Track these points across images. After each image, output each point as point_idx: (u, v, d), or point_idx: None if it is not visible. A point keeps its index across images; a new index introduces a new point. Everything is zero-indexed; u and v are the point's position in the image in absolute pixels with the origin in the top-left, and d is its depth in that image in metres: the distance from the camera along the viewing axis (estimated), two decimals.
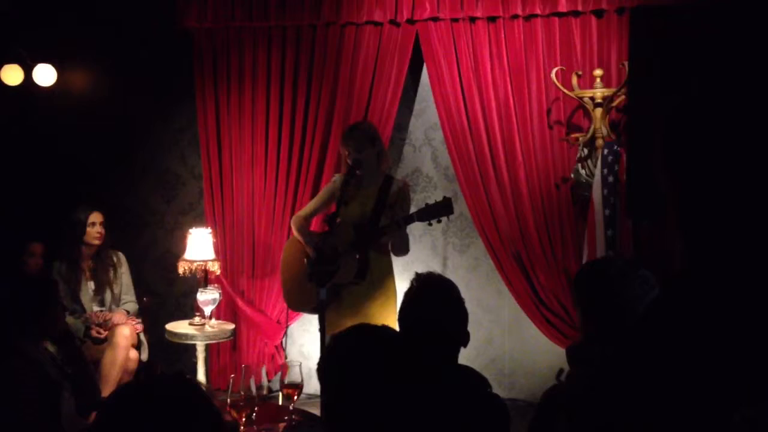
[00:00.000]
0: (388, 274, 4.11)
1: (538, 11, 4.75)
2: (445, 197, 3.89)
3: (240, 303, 5.33)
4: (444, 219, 3.88)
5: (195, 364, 4.82)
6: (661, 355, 1.41)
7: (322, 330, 3.53)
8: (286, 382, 3.05)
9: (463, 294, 2.47)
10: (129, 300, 4.91)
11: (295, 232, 4.25)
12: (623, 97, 4.48)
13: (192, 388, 1.38)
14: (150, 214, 5.76)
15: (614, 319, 2.15)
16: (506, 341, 5.31)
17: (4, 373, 2.84)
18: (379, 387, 1.73)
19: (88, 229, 4.76)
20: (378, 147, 4.14)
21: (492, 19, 4.85)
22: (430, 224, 3.93)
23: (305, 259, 4.10)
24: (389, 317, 3.88)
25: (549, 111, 4.84)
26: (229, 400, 2.86)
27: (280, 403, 3.30)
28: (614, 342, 2.08)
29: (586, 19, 4.75)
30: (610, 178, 4.34)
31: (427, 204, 3.91)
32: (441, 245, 5.38)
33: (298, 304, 4.26)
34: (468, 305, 2.46)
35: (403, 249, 4.11)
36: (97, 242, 4.79)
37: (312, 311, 4.13)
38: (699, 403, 1.36)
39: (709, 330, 1.38)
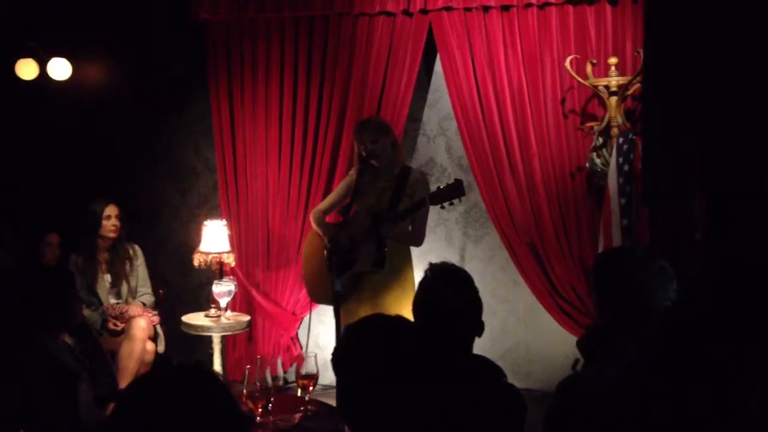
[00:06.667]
0: (406, 263, 4.11)
1: None
2: (456, 179, 3.87)
3: (255, 294, 5.35)
4: (458, 206, 3.87)
5: (211, 355, 4.84)
6: (685, 353, 1.41)
7: (338, 321, 3.54)
8: (301, 373, 3.07)
9: (478, 284, 2.47)
10: (145, 292, 4.93)
11: (313, 225, 4.26)
12: (638, 85, 4.44)
13: (210, 378, 1.39)
14: (165, 207, 5.79)
15: (631, 309, 2.14)
16: (521, 331, 5.30)
17: (23, 365, 2.86)
18: (394, 378, 1.73)
19: (104, 222, 4.79)
20: (392, 138, 4.15)
21: (505, 8, 4.82)
22: (443, 207, 3.90)
23: (324, 251, 4.10)
24: (407, 307, 3.89)
25: (563, 100, 4.81)
26: (245, 391, 2.87)
27: (297, 394, 3.31)
28: (631, 333, 2.07)
29: (601, 6, 4.72)
30: (626, 167, 4.31)
31: (438, 187, 3.90)
32: (456, 236, 5.37)
33: (319, 295, 4.27)
34: (483, 295, 2.45)
35: (407, 239, 4.09)
36: (112, 235, 4.82)
37: (331, 302, 4.14)
38: (717, 390, 1.36)
39: (735, 322, 1.38)
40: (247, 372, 2.93)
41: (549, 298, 4.94)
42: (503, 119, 4.87)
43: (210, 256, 4.91)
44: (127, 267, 4.88)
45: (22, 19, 5.40)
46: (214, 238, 4.92)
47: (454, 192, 3.82)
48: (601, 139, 4.58)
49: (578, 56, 4.69)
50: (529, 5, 4.77)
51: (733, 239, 2.67)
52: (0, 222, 4.91)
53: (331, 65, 5.13)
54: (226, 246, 4.95)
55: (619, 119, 4.50)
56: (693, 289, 1.52)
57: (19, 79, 5.37)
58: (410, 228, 4.09)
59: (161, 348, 4.77)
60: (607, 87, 4.53)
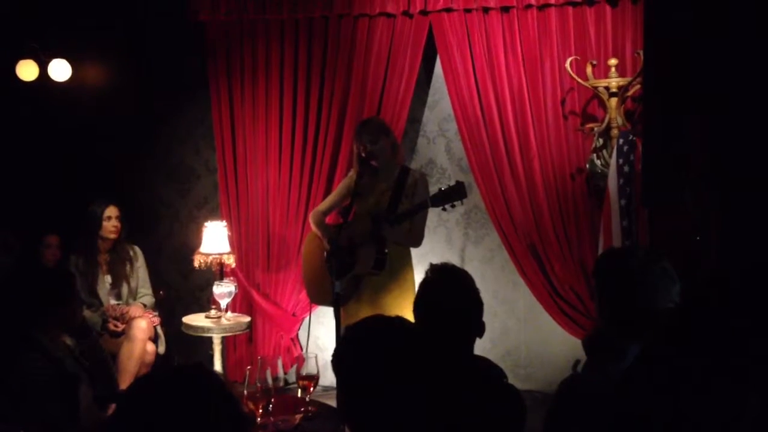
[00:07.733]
0: (406, 265, 4.11)
1: (552, 0, 4.72)
2: (457, 181, 3.87)
3: (256, 296, 5.35)
4: (459, 207, 3.86)
5: (211, 356, 4.85)
6: (690, 354, 1.41)
7: (338, 322, 3.54)
8: (302, 374, 3.06)
9: (479, 285, 2.46)
10: (145, 293, 4.93)
11: (313, 227, 4.26)
12: (638, 86, 4.44)
13: (211, 378, 1.39)
14: (165, 208, 5.79)
15: (632, 310, 2.13)
16: (522, 332, 5.30)
17: (23, 367, 2.86)
18: (394, 378, 1.73)
19: (104, 223, 4.79)
20: (392, 138, 4.15)
21: (505, 9, 4.83)
22: (444, 209, 3.91)
23: (324, 253, 4.10)
24: (407, 308, 3.88)
25: (563, 101, 4.81)
26: (245, 391, 2.87)
27: (297, 395, 3.30)
28: (633, 334, 2.07)
29: (601, 7, 4.72)
30: (626, 168, 4.32)
31: (440, 189, 3.90)
32: (456, 237, 5.37)
33: (319, 297, 4.27)
34: (483, 296, 2.45)
35: (406, 240, 4.09)
36: (113, 236, 4.82)
37: (331, 304, 4.14)
38: (718, 389, 1.36)
39: (738, 323, 1.38)
40: (247, 373, 2.93)
41: (549, 299, 4.94)
42: (503, 120, 4.87)
43: (210, 257, 4.91)
44: (128, 268, 4.88)
45: (22, 20, 5.40)
46: (215, 239, 4.92)
47: (455, 194, 3.82)
48: (601, 141, 4.58)
49: (578, 57, 4.69)
50: (529, 6, 4.77)
51: (736, 239, 2.67)
52: (0, 223, 4.91)
53: (331, 66, 5.13)
54: (226, 247, 4.95)
55: (619, 120, 4.51)
56: (695, 289, 1.52)
57: (19, 80, 5.37)
58: (409, 228, 4.08)
59: (162, 349, 4.77)
60: (607, 88, 4.53)
